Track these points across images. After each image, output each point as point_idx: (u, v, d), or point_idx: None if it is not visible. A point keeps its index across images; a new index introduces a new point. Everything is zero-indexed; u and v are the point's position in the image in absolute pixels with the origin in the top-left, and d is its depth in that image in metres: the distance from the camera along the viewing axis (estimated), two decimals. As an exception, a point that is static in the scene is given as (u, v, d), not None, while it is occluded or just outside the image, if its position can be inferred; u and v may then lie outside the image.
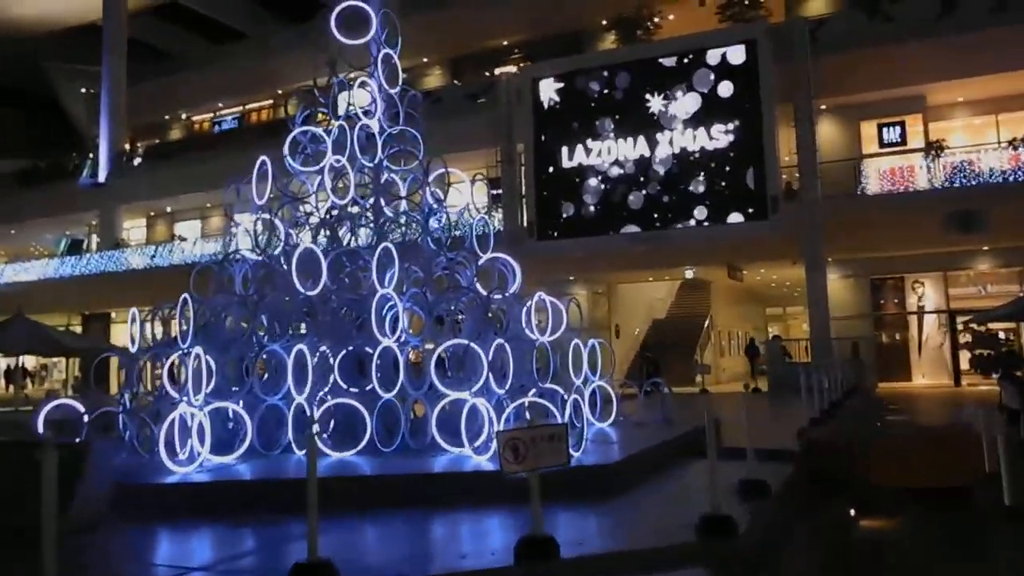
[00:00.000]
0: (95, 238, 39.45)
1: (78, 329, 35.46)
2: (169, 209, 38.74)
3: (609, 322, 31.89)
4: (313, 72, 14.51)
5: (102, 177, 36.45)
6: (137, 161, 36.91)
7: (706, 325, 32.37)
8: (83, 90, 42.48)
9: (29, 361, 35.49)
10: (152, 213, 39.53)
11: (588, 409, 13.03)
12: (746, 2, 28.83)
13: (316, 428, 6.19)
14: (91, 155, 37.64)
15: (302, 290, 11.11)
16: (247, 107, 41.52)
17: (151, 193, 35.94)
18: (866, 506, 10.43)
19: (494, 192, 27.33)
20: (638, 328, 34.09)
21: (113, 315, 37.20)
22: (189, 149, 36.74)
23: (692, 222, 24.13)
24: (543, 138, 26.02)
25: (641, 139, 24.77)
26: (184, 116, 42.45)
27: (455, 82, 36.07)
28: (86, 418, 9.89)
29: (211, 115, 42.50)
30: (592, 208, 25.39)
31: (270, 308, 11.55)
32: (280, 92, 38.99)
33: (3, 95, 46.18)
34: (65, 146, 42.68)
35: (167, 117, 43.56)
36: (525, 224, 26.36)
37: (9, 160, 41.99)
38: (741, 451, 9.12)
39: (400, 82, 14.38)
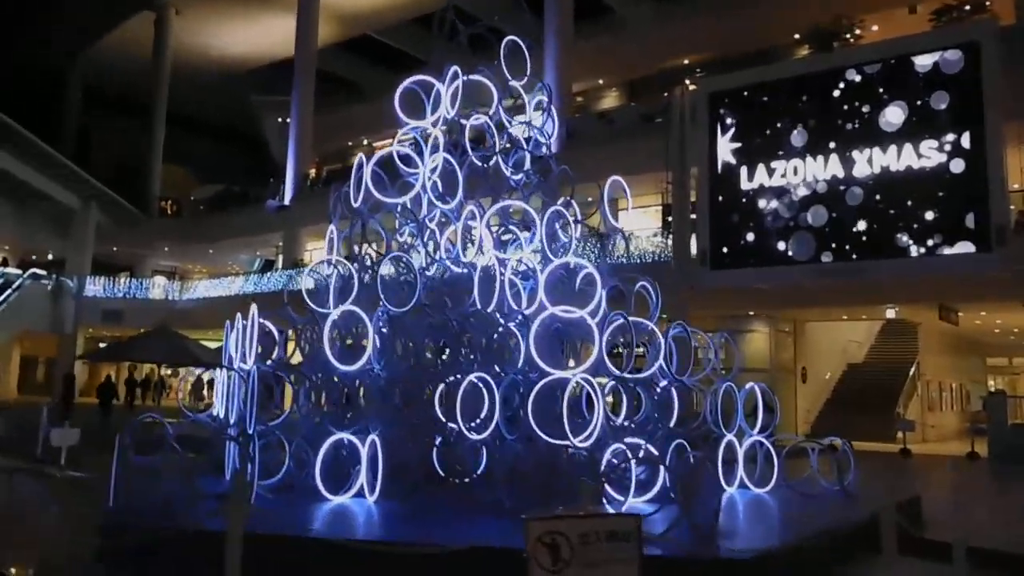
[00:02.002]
0: (281, 258, 41.16)
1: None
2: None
3: (795, 365, 28.55)
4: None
5: (287, 200, 37.93)
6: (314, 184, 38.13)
7: (911, 373, 28.31)
8: (279, 120, 44.79)
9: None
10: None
11: (743, 468, 10.80)
12: (967, 7, 25.14)
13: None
14: (280, 180, 39.37)
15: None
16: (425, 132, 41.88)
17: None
18: None
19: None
20: (829, 372, 30.48)
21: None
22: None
23: (895, 253, 20.74)
24: (719, 158, 23.61)
25: (834, 157, 21.74)
26: (365, 142, 43.60)
27: (631, 104, 34.38)
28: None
29: (390, 141, 43.30)
30: (775, 235, 22.59)
31: (412, 330, 10.30)
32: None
33: (211, 127, 49.93)
34: (263, 173, 45.17)
35: (350, 143, 45.04)
36: (697, 253, 23.96)
37: (213, 186, 45.09)
38: (948, 548, 6.58)
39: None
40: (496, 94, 12.09)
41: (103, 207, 36.97)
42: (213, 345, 27.55)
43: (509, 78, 12.23)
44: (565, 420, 8.55)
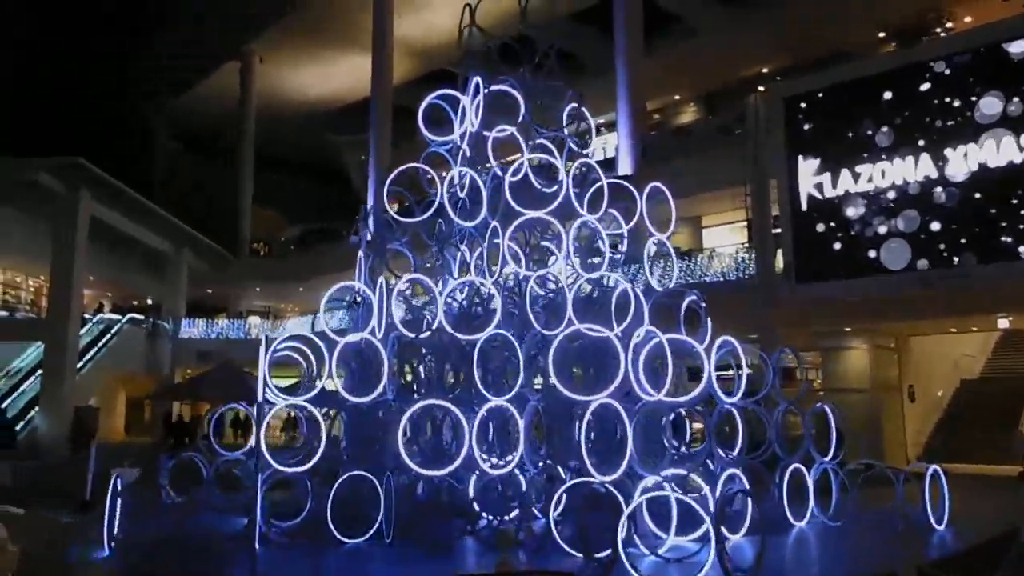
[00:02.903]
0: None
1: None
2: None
3: (900, 382, 26.50)
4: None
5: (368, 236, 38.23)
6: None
7: (1035, 388, 25.89)
8: (362, 157, 45.56)
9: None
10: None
11: (814, 498, 9.71)
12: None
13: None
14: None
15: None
16: (508, 158, 41.75)
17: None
18: None
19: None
20: (941, 390, 28.16)
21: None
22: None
23: (1001, 257, 18.93)
24: (799, 165, 22.26)
25: (925, 156, 20.11)
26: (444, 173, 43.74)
27: (709, 117, 33.20)
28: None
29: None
30: (864, 244, 21.04)
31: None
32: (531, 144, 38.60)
33: (297, 168, 51.27)
34: (350, 210, 45.93)
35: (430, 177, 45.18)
36: (781, 267, 22.60)
37: (300, 225, 46.20)
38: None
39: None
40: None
41: (195, 251, 38.30)
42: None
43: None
44: (584, 451, 7.74)
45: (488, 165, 11.54)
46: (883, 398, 25.07)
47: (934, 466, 9.51)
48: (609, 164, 33.15)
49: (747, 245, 24.95)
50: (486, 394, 8.27)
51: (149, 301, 41.86)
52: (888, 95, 20.87)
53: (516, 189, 11.30)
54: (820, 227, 21.75)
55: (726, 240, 30.48)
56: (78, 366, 30.34)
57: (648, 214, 11.65)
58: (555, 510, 7.90)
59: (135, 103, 47.31)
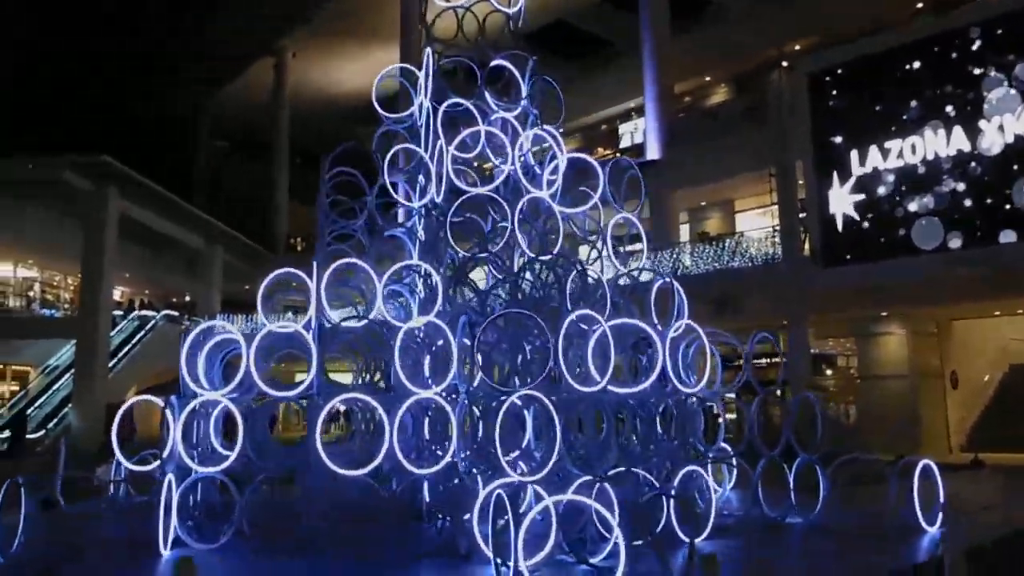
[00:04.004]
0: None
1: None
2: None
3: (942, 368, 25.22)
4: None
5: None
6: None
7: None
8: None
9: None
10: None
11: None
12: None
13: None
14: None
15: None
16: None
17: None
18: None
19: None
20: (987, 376, 26.76)
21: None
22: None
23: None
24: (825, 144, 21.25)
25: (958, 129, 18.98)
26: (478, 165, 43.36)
27: (738, 97, 32.15)
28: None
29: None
30: (894, 223, 20.00)
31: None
32: (561, 130, 37.95)
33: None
34: (386, 204, 45.85)
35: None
36: (808, 251, 21.65)
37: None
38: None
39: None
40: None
41: (229, 247, 38.60)
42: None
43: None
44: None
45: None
46: (923, 385, 23.92)
47: (925, 460, 8.70)
48: (638, 150, 32.45)
49: (775, 229, 23.98)
50: (409, 386, 7.80)
51: (187, 298, 42.36)
52: (917, 65, 19.77)
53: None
54: (847, 207, 20.75)
55: (760, 225, 29.50)
56: (111, 364, 30.78)
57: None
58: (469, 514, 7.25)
59: (172, 102, 47.91)
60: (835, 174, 21.01)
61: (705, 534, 8.03)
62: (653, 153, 30.01)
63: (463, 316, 8.26)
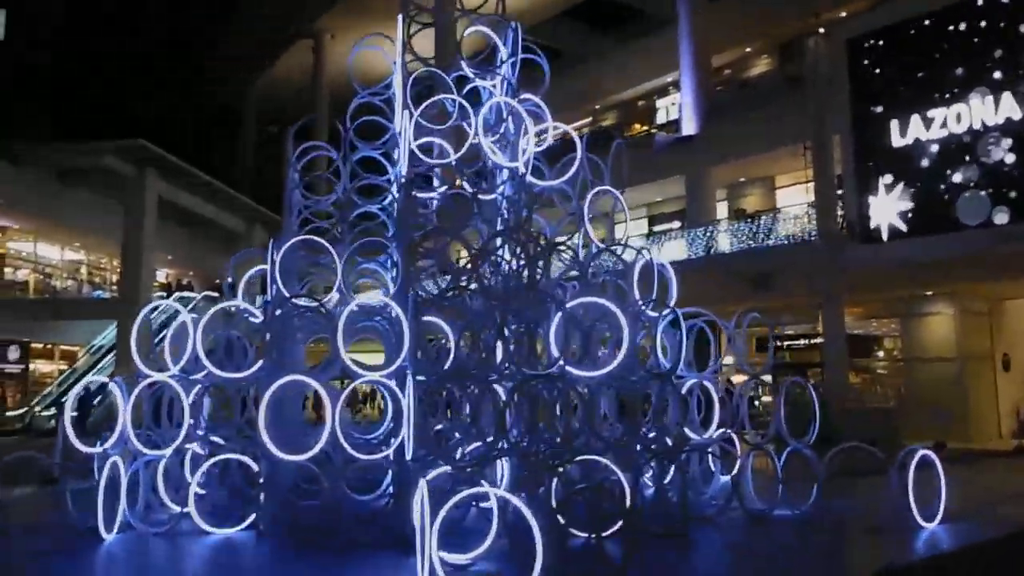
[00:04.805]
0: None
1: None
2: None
3: (992, 351, 23.97)
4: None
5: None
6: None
7: None
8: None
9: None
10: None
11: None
12: None
13: None
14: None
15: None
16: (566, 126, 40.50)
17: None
18: None
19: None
20: (1043, 357, 25.40)
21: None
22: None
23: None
24: (863, 114, 20.22)
25: (1007, 96, 17.83)
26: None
27: (777, 68, 30.93)
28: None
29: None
30: (938, 196, 18.95)
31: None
32: (597, 107, 37.25)
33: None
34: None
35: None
36: (844, 227, 20.71)
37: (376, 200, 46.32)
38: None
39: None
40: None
41: (267, 228, 38.87)
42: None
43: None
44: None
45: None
46: (972, 368, 22.77)
47: (924, 450, 8.01)
48: (675, 126, 31.53)
49: (810, 205, 23.02)
50: (356, 369, 7.51)
51: (229, 280, 42.77)
52: (963, 27, 18.59)
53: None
54: (887, 180, 19.74)
55: (802, 201, 28.46)
56: (154, 343, 31.25)
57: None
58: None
59: (219, 88, 48.47)
60: (873, 143, 19.97)
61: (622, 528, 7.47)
62: (689, 129, 29.13)
63: (410, 295, 7.91)
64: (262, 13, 44.73)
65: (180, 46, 44.37)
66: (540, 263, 8.03)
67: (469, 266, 8.18)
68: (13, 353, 32.48)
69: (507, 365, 7.29)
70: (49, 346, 35.66)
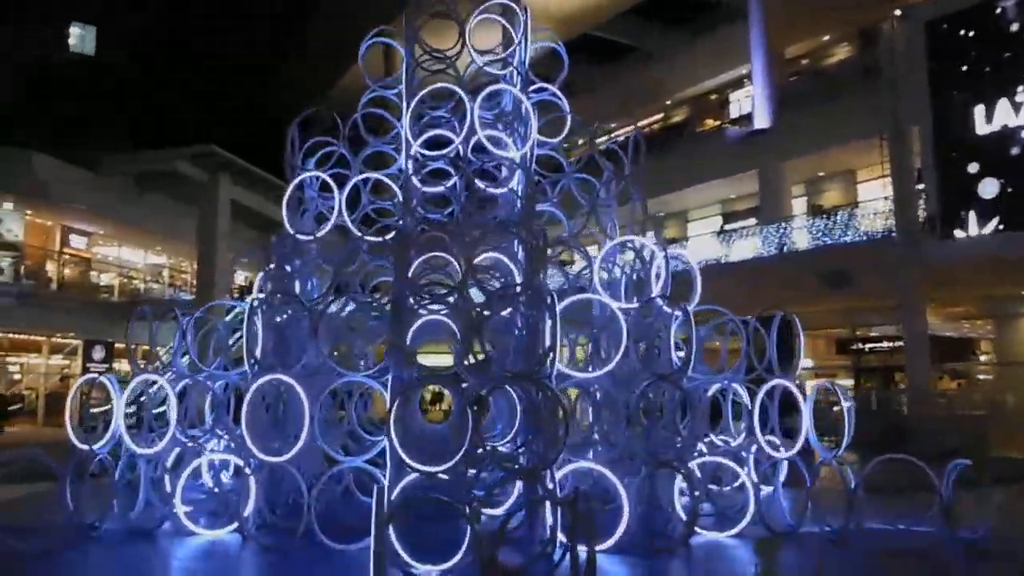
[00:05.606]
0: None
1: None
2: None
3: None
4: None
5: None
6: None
7: None
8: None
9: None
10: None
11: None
12: None
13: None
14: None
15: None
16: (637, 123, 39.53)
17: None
18: None
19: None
20: None
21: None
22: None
23: None
24: (945, 100, 18.90)
25: (1106, 77, 16.35)
26: (579, 142, 42.19)
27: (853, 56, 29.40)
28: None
29: (605, 137, 41.48)
30: (1026, 189, 17.55)
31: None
32: (668, 103, 36.24)
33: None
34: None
35: (566, 145, 43.80)
36: (924, 220, 19.41)
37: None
38: None
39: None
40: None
41: (336, 230, 39.34)
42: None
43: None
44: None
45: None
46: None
47: (956, 460, 7.02)
48: (748, 120, 30.34)
49: (887, 199, 21.72)
50: (337, 368, 7.20)
51: (297, 282, 43.53)
52: (1055, 4, 17.17)
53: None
54: (971, 170, 18.39)
55: (886, 195, 26.97)
56: (230, 343, 32.01)
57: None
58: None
59: (290, 94, 49.40)
60: (956, 131, 18.62)
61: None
62: (762, 122, 27.98)
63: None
64: (337, 17, 45.37)
65: (256, 53, 45.47)
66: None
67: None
68: (98, 353, 33.83)
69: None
70: (133, 346, 36.93)
